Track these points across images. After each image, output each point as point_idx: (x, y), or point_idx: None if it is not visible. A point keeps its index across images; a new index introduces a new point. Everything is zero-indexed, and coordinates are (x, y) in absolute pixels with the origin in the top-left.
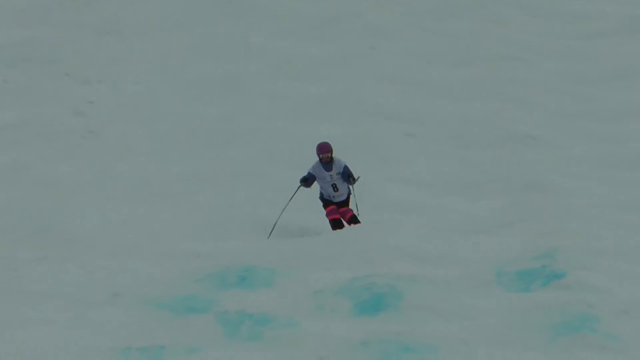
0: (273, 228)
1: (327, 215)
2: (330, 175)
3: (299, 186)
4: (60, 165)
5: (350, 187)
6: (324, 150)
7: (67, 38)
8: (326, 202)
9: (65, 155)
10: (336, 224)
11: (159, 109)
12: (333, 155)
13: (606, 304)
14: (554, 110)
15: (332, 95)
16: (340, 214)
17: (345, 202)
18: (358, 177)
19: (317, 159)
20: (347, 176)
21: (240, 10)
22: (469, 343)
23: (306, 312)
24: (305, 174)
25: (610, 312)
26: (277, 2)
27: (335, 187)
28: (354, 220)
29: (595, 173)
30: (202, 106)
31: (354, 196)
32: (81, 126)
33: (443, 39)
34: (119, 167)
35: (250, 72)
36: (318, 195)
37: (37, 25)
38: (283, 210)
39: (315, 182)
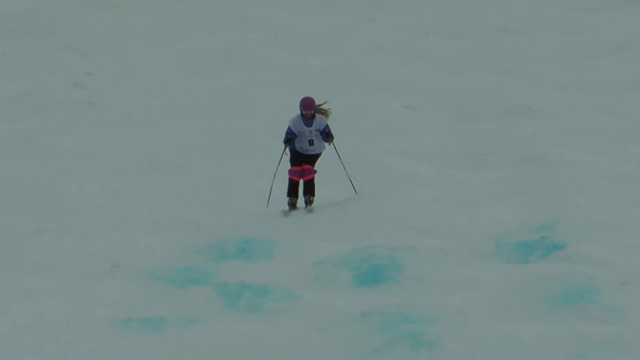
0: (270, 195)
1: (290, 173)
2: (310, 131)
3: (285, 147)
4: (60, 137)
5: (332, 145)
6: (308, 107)
7: (67, 11)
8: (294, 157)
9: (64, 127)
10: (292, 188)
11: (159, 81)
12: (316, 112)
13: (606, 276)
14: (553, 83)
15: (331, 67)
16: (300, 172)
17: (316, 157)
18: (331, 132)
19: (299, 112)
20: (326, 134)
21: None
22: (468, 314)
23: (306, 284)
24: (287, 130)
25: (610, 284)
26: None
27: (310, 142)
28: (309, 186)
29: (595, 145)
30: (201, 78)
31: (340, 158)
32: (81, 98)
33: (441, 11)
34: (118, 139)
35: (249, 43)
36: (289, 149)
37: None
38: (275, 175)
39: None
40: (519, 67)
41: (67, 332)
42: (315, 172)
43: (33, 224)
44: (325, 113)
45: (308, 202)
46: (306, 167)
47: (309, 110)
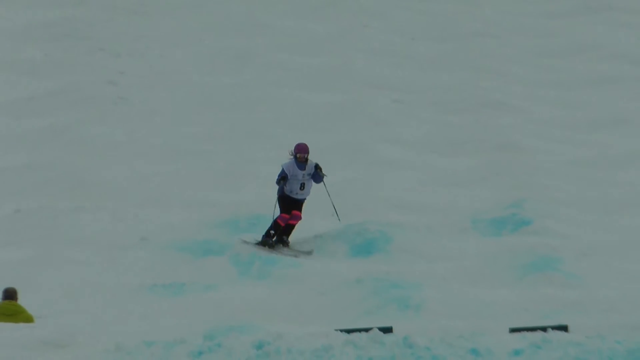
0: (267, 233)
1: (278, 218)
2: (303, 175)
3: (280, 185)
4: (94, 128)
5: (323, 183)
6: (303, 151)
7: (101, 17)
8: (283, 202)
9: (98, 118)
10: (276, 231)
11: (180, 78)
12: (308, 157)
13: (568, 248)
14: (522, 80)
15: (330, 66)
16: (288, 218)
17: (301, 204)
18: (322, 171)
19: (293, 157)
20: (317, 169)
21: None
22: (448, 281)
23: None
24: (280, 172)
25: (572, 255)
26: None
27: (302, 186)
28: (288, 230)
29: (558, 134)
30: (217, 76)
31: (329, 196)
32: (113, 93)
33: (426, 18)
34: (145, 128)
35: (259, 46)
36: (278, 190)
37: (75, 6)
38: (274, 213)
39: None
40: (492, 66)
41: (102, 295)
42: (300, 218)
43: (71, 204)
44: (320, 169)
45: (286, 243)
46: (295, 212)
47: (304, 153)
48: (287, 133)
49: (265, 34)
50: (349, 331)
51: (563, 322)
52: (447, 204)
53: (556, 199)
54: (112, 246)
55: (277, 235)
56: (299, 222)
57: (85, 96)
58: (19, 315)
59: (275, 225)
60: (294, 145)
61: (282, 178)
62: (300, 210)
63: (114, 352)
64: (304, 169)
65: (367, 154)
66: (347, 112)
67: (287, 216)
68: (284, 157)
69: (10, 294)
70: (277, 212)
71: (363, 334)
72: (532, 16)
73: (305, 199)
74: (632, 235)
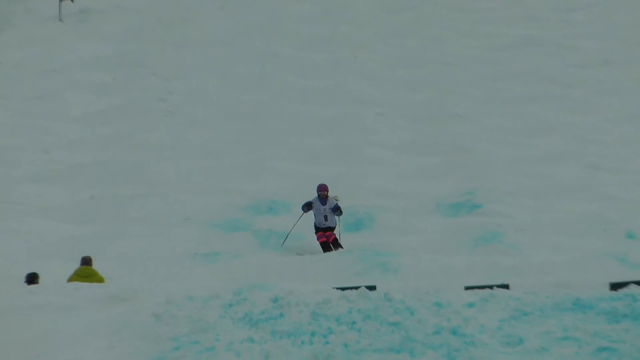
0: (286, 238)
1: (318, 239)
2: (324, 209)
3: (303, 211)
4: (149, 134)
5: (337, 218)
6: (323, 189)
7: (154, 50)
8: (317, 229)
9: (152, 127)
10: (325, 246)
11: (214, 96)
12: (328, 194)
13: (509, 225)
14: (475, 98)
15: (328, 87)
16: (326, 237)
17: (332, 229)
18: (341, 209)
19: (317, 195)
20: (337, 209)
21: (268, 31)
22: (418, 250)
23: (311, 230)
24: (305, 202)
25: (512, 230)
26: (292, 26)
27: (325, 218)
28: (335, 242)
29: (503, 139)
30: (242, 94)
31: (339, 226)
32: (162, 108)
33: (401, 51)
34: (187, 134)
35: (274, 71)
36: (313, 224)
37: (134, 42)
38: (292, 227)
39: (311, 212)
40: (452, 87)
41: (155, 261)
42: (333, 236)
43: (131, 191)
44: (336, 198)
45: (339, 247)
46: (327, 233)
47: (323, 191)
48: (295, 138)
49: (279, 62)
50: (342, 289)
51: (505, 282)
52: (417, 192)
53: (500, 189)
54: (163, 224)
55: (329, 248)
56: (335, 235)
57: (142, 110)
58: (93, 277)
59: (321, 245)
60: (317, 185)
61: (306, 205)
62: (333, 231)
63: (165, 304)
64: (325, 204)
65: (356, 154)
66: (341, 122)
67: (322, 233)
68: (295, 156)
69: (87, 261)
70: (298, 223)
71: (353, 291)
72: (482, 49)
73: (332, 227)
74: (559, 216)
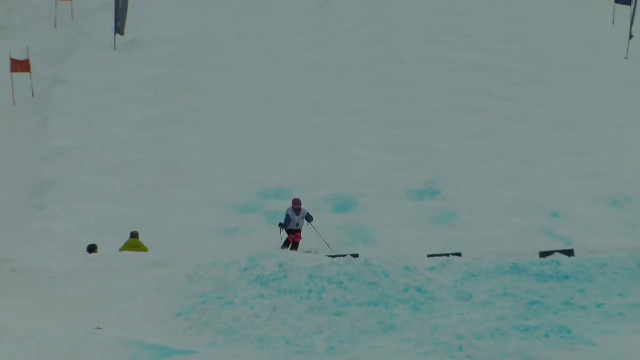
0: (281, 241)
1: (287, 234)
2: (297, 218)
3: (281, 229)
4: (183, 137)
5: (310, 223)
6: (297, 204)
7: (187, 72)
8: (288, 230)
9: (186, 132)
10: (286, 243)
11: (234, 108)
12: (302, 206)
13: (462, 207)
14: (435, 108)
15: (321, 100)
16: (292, 238)
17: (299, 231)
18: (312, 217)
19: (291, 206)
20: (308, 216)
21: (275, 57)
22: (391, 226)
23: (311, 211)
24: (283, 218)
25: (464, 211)
26: (295, 54)
27: (297, 224)
28: (295, 245)
29: (457, 140)
30: (255, 106)
31: (319, 234)
32: (195, 117)
33: (378, 72)
34: (212, 137)
35: (280, 88)
36: (282, 222)
37: (172, 66)
38: (281, 235)
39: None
40: (417, 100)
41: (188, 235)
42: (300, 237)
43: (169, 181)
44: (310, 217)
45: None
46: (297, 234)
47: (297, 205)
48: (296, 139)
49: (284, 81)
50: (332, 256)
51: (458, 251)
52: (390, 181)
53: (454, 179)
54: (194, 206)
55: (289, 247)
56: (300, 240)
57: (178, 118)
58: (139, 247)
59: (286, 242)
60: (292, 199)
61: (282, 224)
62: (300, 232)
63: (195, 268)
64: (298, 214)
65: (343, 152)
66: (331, 127)
67: (292, 236)
68: (296, 154)
69: (134, 234)
70: (284, 235)
71: (341, 258)
72: (441, 71)
73: (300, 230)
74: (500, 200)
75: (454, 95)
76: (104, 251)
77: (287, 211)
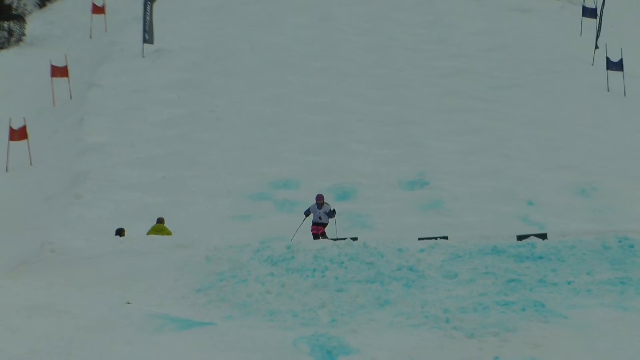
0: (295, 234)
1: (312, 230)
2: (319, 212)
3: (304, 217)
4: (203, 134)
5: (333, 219)
6: (320, 199)
7: (205, 77)
8: (313, 223)
9: (204, 129)
10: (315, 237)
11: (246, 109)
12: (325, 201)
13: (448, 196)
14: (425, 109)
15: (324, 102)
16: (317, 230)
17: (324, 225)
18: (335, 212)
19: (315, 202)
20: (332, 213)
21: (283, 64)
22: (388, 213)
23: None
24: (306, 209)
25: (450, 200)
26: (300, 61)
27: (320, 217)
28: (323, 234)
29: (444, 137)
30: (266, 108)
31: (335, 224)
32: (213, 116)
33: (374, 78)
34: (228, 135)
35: (288, 92)
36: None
37: (192, 72)
38: (299, 227)
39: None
40: (409, 102)
41: (207, 221)
42: (322, 231)
43: (190, 173)
44: (334, 212)
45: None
46: (320, 228)
47: (320, 201)
48: (302, 137)
49: (291, 85)
50: (334, 239)
51: (445, 235)
52: (385, 173)
53: (442, 171)
54: (212, 195)
55: (317, 238)
56: (324, 230)
57: (198, 118)
58: (163, 231)
59: (313, 235)
60: (316, 195)
61: (306, 212)
62: (324, 227)
63: (213, 250)
64: (321, 209)
65: (343, 147)
66: (333, 126)
67: (315, 229)
68: (302, 149)
69: (160, 220)
70: (304, 225)
71: (342, 241)
72: (430, 77)
73: (325, 223)
74: (482, 190)
75: (442, 98)
76: (131, 235)
77: (311, 205)
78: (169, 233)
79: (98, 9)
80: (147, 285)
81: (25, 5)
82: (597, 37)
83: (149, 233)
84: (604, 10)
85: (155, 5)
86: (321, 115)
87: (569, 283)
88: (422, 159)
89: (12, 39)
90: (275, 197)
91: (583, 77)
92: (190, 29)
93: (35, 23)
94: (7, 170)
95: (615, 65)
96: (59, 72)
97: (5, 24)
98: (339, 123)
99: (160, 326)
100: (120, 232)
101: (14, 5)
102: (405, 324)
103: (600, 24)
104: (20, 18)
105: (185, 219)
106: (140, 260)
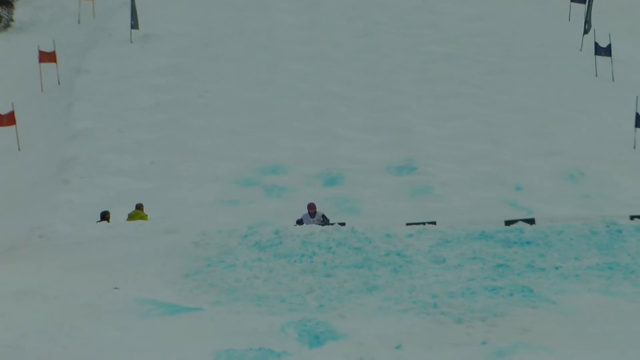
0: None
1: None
2: (312, 221)
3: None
4: (191, 119)
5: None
6: (312, 208)
7: (194, 63)
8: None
9: (193, 114)
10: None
11: (236, 94)
12: (317, 210)
13: (436, 181)
14: (413, 94)
15: (313, 88)
16: None
17: None
18: (328, 219)
19: (307, 212)
20: (327, 220)
21: (273, 50)
22: (376, 199)
23: (303, 185)
24: (298, 218)
25: (438, 185)
26: (290, 46)
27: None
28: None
29: (432, 123)
30: (255, 92)
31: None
32: (201, 102)
33: (363, 63)
34: (217, 120)
35: (277, 77)
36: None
37: (181, 57)
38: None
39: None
40: (397, 87)
41: (195, 205)
42: None
43: (178, 159)
44: (327, 219)
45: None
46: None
47: (312, 210)
48: (291, 122)
49: (280, 71)
50: (322, 224)
51: (433, 220)
52: (374, 159)
53: (430, 156)
54: (201, 181)
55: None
56: None
57: (186, 103)
58: (137, 217)
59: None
60: (307, 204)
61: (298, 221)
62: None
63: (202, 235)
64: (313, 217)
65: (332, 133)
66: (322, 112)
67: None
68: (291, 134)
69: (139, 206)
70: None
71: (330, 226)
72: (418, 62)
73: None
74: (470, 175)
75: (430, 83)
76: (116, 219)
77: (303, 215)
78: (143, 217)
79: None
80: (135, 271)
81: None
82: (586, 21)
83: (127, 220)
84: None
85: None
86: (310, 100)
87: (556, 268)
88: (410, 144)
89: (0, 25)
90: (263, 183)
91: (571, 63)
92: (179, 14)
93: (24, 9)
94: None
95: (603, 51)
96: (47, 57)
97: None
98: (327, 108)
99: (148, 311)
100: (105, 215)
101: None
102: (393, 309)
103: (588, 8)
104: (8, 4)
105: (173, 204)
106: (128, 245)
